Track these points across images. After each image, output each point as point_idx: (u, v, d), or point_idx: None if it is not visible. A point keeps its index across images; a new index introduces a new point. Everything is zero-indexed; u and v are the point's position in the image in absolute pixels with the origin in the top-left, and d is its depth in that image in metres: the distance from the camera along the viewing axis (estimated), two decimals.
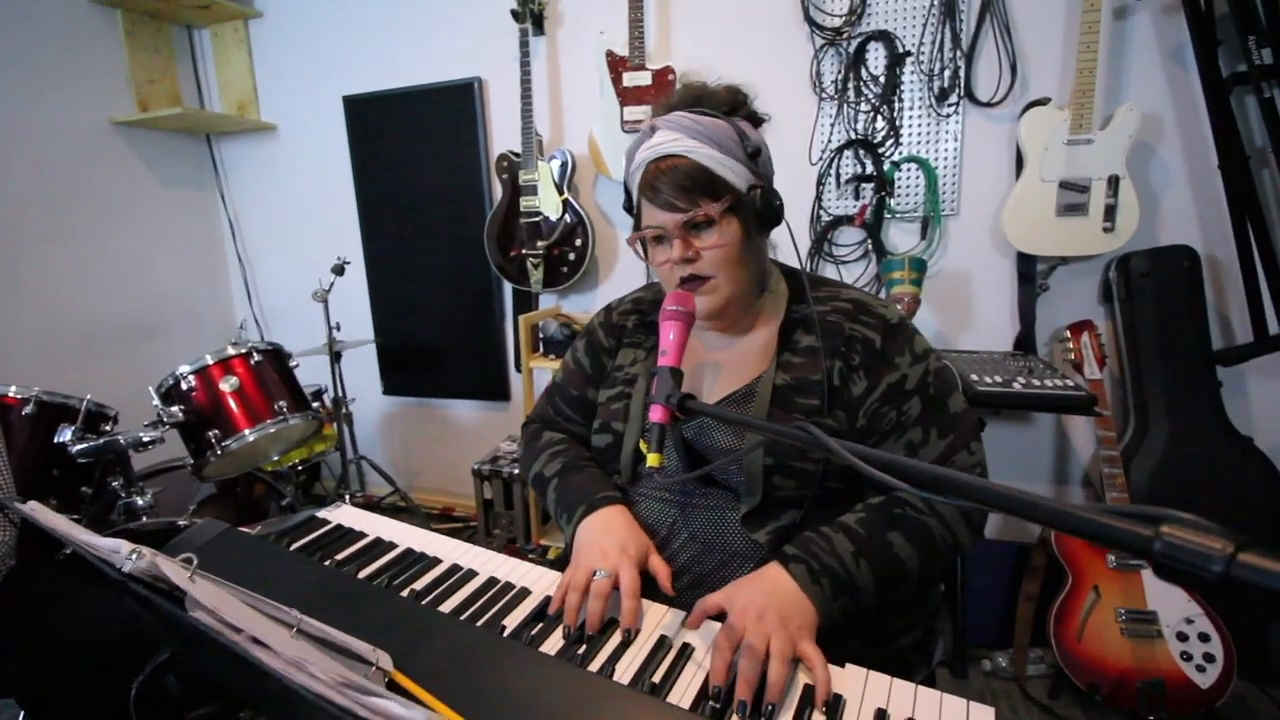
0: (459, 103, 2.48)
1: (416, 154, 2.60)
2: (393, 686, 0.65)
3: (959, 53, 1.92)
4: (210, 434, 1.69)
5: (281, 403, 1.79)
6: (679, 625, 0.76)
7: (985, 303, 2.07)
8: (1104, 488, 1.69)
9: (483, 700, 0.63)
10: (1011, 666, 1.80)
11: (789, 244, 0.96)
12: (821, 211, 2.13)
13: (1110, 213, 1.76)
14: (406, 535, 0.98)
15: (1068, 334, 1.82)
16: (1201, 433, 1.77)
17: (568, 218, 2.26)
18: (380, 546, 0.96)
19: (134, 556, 0.46)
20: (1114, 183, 1.75)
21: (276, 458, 2.14)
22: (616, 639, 0.73)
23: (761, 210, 0.85)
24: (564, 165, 2.26)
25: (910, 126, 2.01)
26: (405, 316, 2.81)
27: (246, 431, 1.72)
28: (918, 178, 2.03)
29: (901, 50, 1.97)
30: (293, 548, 0.95)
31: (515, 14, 2.20)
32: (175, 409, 1.68)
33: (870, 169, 2.06)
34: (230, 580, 0.89)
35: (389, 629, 0.74)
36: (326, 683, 0.37)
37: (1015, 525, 2.09)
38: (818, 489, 0.84)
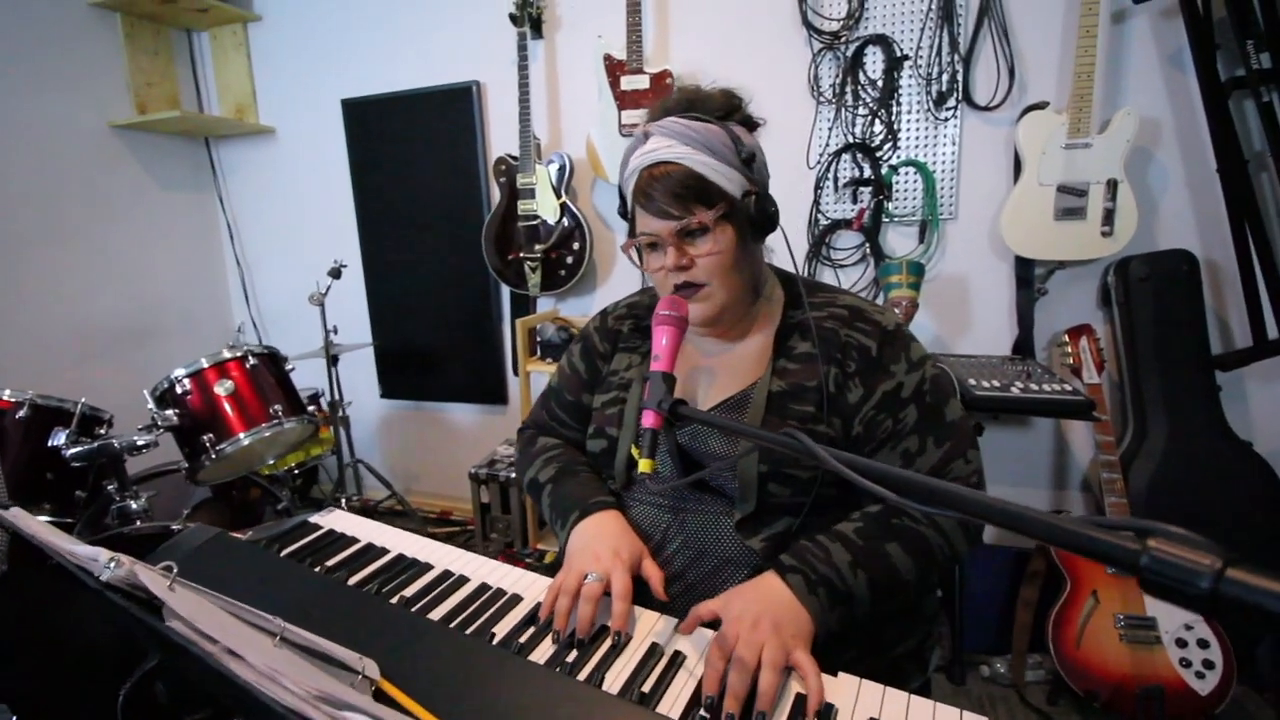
0: (457, 106, 2.48)
1: (415, 157, 2.60)
2: (380, 695, 0.64)
3: (957, 56, 1.92)
4: (205, 438, 1.69)
5: (277, 406, 1.78)
6: (671, 632, 0.75)
7: (983, 307, 2.06)
8: (1103, 492, 1.68)
9: (469, 710, 0.62)
10: (1010, 673, 1.79)
11: (785, 249, 0.95)
12: (819, 215, 2.13)
13: (1109, 217, 1.76)
14: (398, 541, 0.98)
15: (1066, 338, 1.82)
16: (1200, 437, 1.76)
17: (565, 221, 2.26)
18: (372, 552, 0.95)
19: (112, 565, 0.45)
20: (1112, 187, 1.74)
21: (272, 461, 2.13)
22: (607, 645, 0.72)
23: (756, 217, 0.84)
24: (562, 169, 2.25)
25: (908, 130, 2.01)
26: (403, 320, 2.80)
27: (241, 435, 1.71)
28: (916, 181, 2.02)
29: (899, 54, 1.97)
30: (284, 553, 0.94)
31: (513, 18, 2.20)
32: (170, 412, 1.68)
33: (868, 173, 2.05)
34: (220, 586, 0.88)
35: (378, 636, 0.73)
36: (300, 695, 0.36)
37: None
38: (813, 496, 0.83)
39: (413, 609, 0.79)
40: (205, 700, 0.93)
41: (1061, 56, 1.86)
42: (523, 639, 0.73)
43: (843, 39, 2.00)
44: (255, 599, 0.83)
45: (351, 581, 0.86)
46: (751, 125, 0.90)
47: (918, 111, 1.99)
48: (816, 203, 2.12)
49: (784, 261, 0.97)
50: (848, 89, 2.02)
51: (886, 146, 2.03)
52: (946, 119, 1.97)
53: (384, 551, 0.95)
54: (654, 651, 0.72)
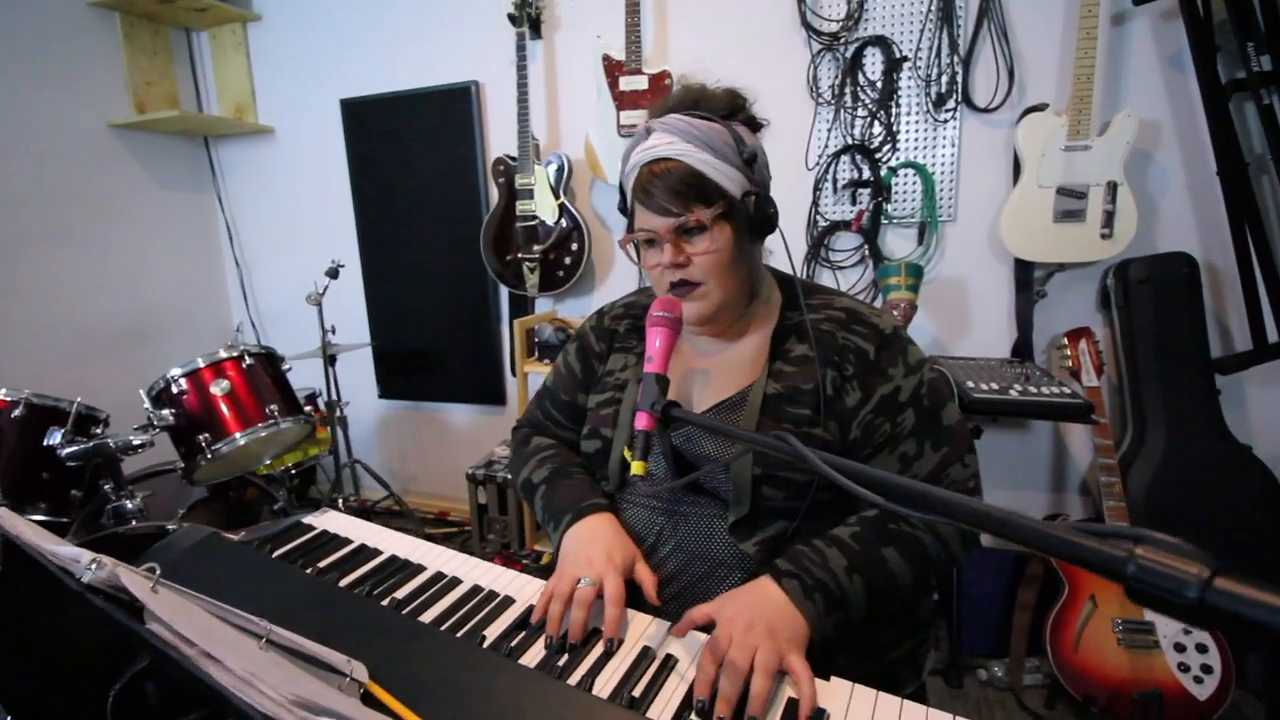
0: (456, 106, 2.47)
1: (413, 157, 2.59)
2: (368, 698, 0.64)
3: (956, 58, 1.91)
4: (201, 438, 1.68)
5: (273, 406, 1.77)
6: (664, 635, 0.75)
7: (982, 309, 2.05)
8: (1101, 496, 1.68)
9: (457, 714, 0.61)
10: (1007, 676, 1.78)
11: (783, 250, 0.94)
12: (818, 217, 2.12)
13: (1108, 219, 1.75)
14: (392, 542, 0.97)
15: (1065, 341, 1.81)
16: (1200, 441, 1.75)
17: (564, 222, 2.26)
18: (365, 554, 0.94)
19: (94, 566, 0.45)
20: (1112, 189, 1.74)
21: (269, 461, 2.13)
22: (599, 650, 0.72)
23: (755, 217, 0.84)
24: (560, 169, 2.25)
25: (907, 132, 2.00)
26: (401, 320, 2.80)
27: (237, 435, 1.70)
28: (915, 183, 2.02)
29: (899, 55, 1.96)
30: (275, 554, 0.94)
31: (512, 18, 2.20)
32: (166, 412, 1.67)
33: (867, 174, 2.05)
34: (211, 586, 0.87)
35: (368, 639, 0.72)
36: (277, 701, 0.36)
37: None
38: (808, 501, 0.83)
39: (404, 611, 0.79)
40: (197, 701, 0.92)
41: (1061, 58, 1.85)
42: (514, 642, 0.73)
43: (842, 40, 2.00)
44: (246, 600, 0.82)
45: (343, 583, 0.85)
46: (755, 126, 0.89)
47: (917, 113, 1.99)
48: (815, 204, 2.12)
49: (782, 263, 0.97)
50: (847, 90, 2.02)
51: (886, 148, 2.02)
52: (946, 120, 1.97)
53: (377, 553, 0.94)
54: (646, 655, 0.71)
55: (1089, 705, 1.59)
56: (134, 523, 1.59)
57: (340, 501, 2.45)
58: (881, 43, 1.97)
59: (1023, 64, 1.89)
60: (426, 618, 0.77)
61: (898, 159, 2.02)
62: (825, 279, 2.16)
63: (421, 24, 2.49)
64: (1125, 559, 0.28)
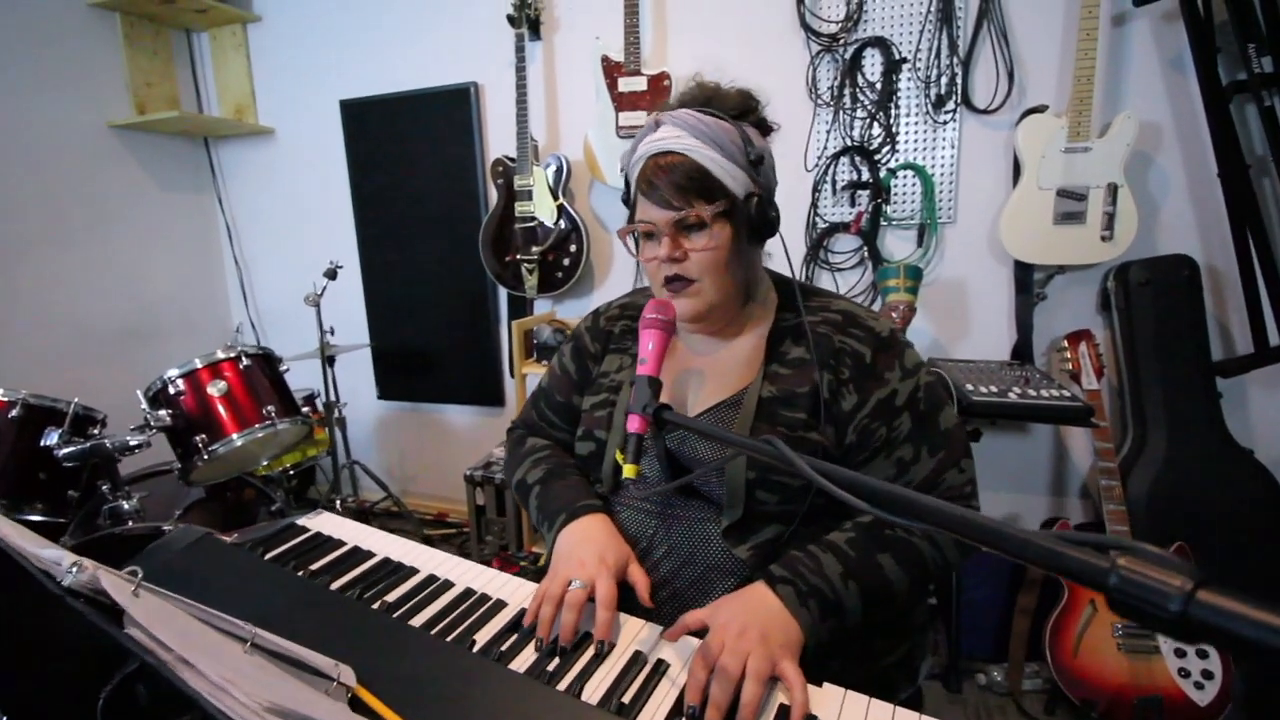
0: (455, 107, 2.47)
1: (413, 158, 2.59)
2: (356, 702, 0.63)
3: (956, 59, 1.91)
4: (198, 438, 1.68)
5: (270, 407, 1.77)
6: (656, 640, 0.74)
7: (982, 311, 2.05)
8: (1101, 500, 1.67)
9: (445, 719, 0.61)
10: (1006, 681, 1.77)
11: (781, 252, 0.94)
12: (817, 218, 2.12)
13: (1109, 221, 1.74)
14: (385, 545, 0.97)
15: (1065, 343, 1.80)
16: (1201, 445, 1.74)
17: (562, 223, 2.25)
18: (357, 556, 0.94)
19: (74, 570, 0.44)
20: (1112, 191, 1.73)
21: (267, 462, 2.13)
22: (590, 654, 0.71)
23: (755, 219, 0.83)
24: (559, 170, 2.25)
25: (907, 133, 2.00)
26: (401, 321, 2.80)
27: (234, 436, 1.70)
28: (914, 185, 2.01)
29: (898, 57, 1.96)
30: (268, 556, 0.94)
31: (511, 19, 2.20)
32: (163, 413, 1.67)
33: (866, 176, 2.04)
34: (202, 588, 0.87)
35: (357, 642, 0.72)
36: (250, 708, 0.35)
37: None
38: (806, 505, 0.82)
39: (395, 614, 0.78)
40: (187, 704, 0.92)
41: (1061, 59, 1.85)
42: (504, 646, 0.72)
43: (841, 41, 1.99)
44: (237, 602, 0.82)
45: (334, 586, 0.85)
46: (765, 129, 0.89)
47: (916, 114, 1.98)
48: (814, 205, 2.11)
49: (781, 265, 0.96)
50: (846, 91, 2.02)
51: (885, 149, 2.02)
52: (945, 122, 1.96)
53: (369, 555, 0.94)
54: (637, 660, 0.71)
55: (1088, 711, 1.58)
56: (130, 523, 1.59)
57: (339, 503, 2.45)
58: (881, 44, 1.96)
59: (1022, 65, 1.88)
60: (417, 621, 0.77)
61: (897, 160, 2.01)
62: (824, 281, 2.15)
63: (421, 25, 2.49)
64: (1108, 569, 0.27)
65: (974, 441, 1.83)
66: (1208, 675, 1.51)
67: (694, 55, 2.18)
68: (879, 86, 1.99)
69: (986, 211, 1.98)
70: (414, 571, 0.89)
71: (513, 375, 2.56)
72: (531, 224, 2.27)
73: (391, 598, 0.82)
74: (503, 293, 2.59)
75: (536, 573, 0.99)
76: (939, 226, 2.02)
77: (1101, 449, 1.69)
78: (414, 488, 2.97)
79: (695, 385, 0.92)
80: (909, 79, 1.97)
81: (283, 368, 1.92)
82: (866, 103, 2.01)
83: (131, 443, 1.57)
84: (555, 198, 2.24)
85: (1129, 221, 1.74)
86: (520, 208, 2.26)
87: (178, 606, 0.51)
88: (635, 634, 0.76)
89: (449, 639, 0.74)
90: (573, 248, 2.27)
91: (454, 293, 2.66)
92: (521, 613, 0.78)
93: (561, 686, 0.66)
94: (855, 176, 2.06)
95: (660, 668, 0.70)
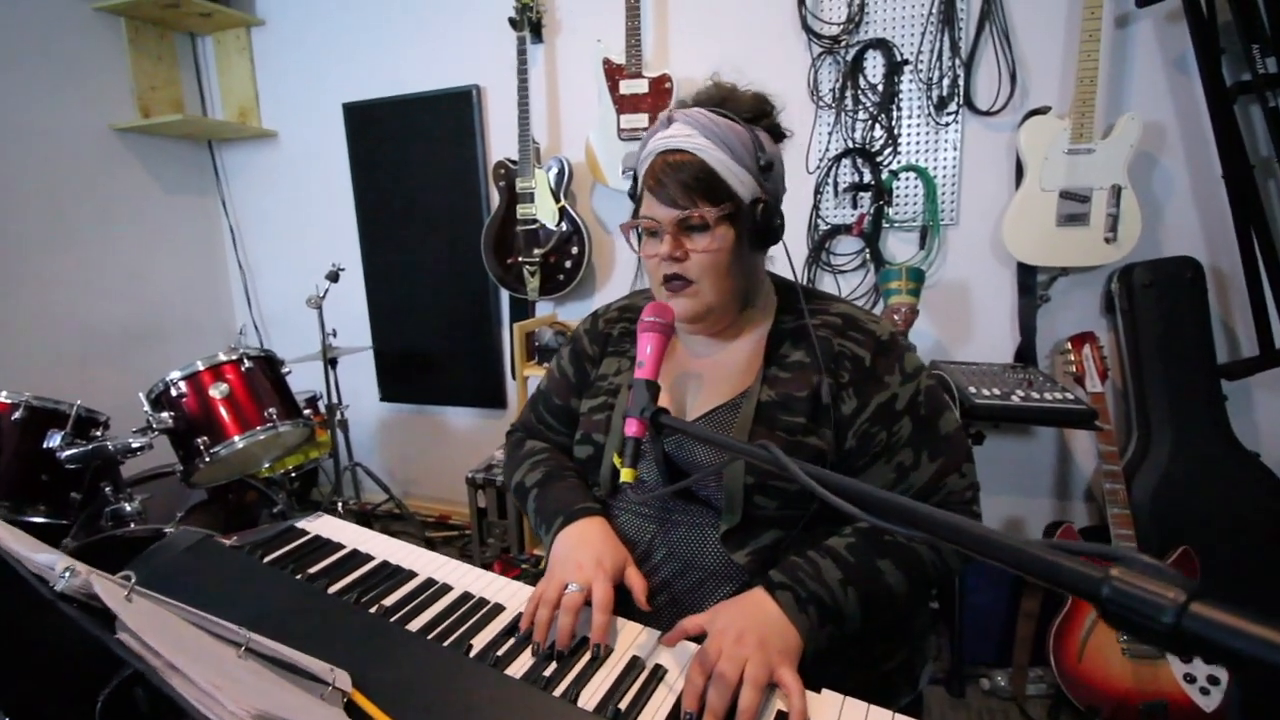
0: (457, 110, 2.48)
1: (415, 161, 2.60)
2: (351, 707, 0.63)
3: (958, 61, 1.90)
4: (199, 441, 1.68)
5: (272, 410, 1.77)
6: (654, 645, 0.74)
7: (985, 313, 2.04)
8: (1106, 503, 1.65)
9: None
10: (1010, 686, 1.76)
11: (784, 255, 0.93)
12: (819, 220, 2.11)
13: (1112, 223, 1.73)
14: (383, 548, 0.97)
15: (1069, 346, 1.79)
16: (1206, 448, 1.73)
17: (564, 225, 2.25)
18: (356, 559, 0.94)
19: (67, 574, 0.44)
20: (1116, 192, 1.72)
21: (269, 464, 2.13)
22: (587, 658, 0.71)
23: (759, 225, 0.83)
24: (561, 173, 2.25)
25: (909, 135, 1.99)
26: (403, 323, 2.80)
27: (236, 438, 1.70)
28: (916, 187, 2.01)
29: (900, 59, 1.95)
30: (266, 559, 0.93)
31: (513, 22, 2.20)
32: (165, 415, 1.67)
33: (868, 178, 2.04)
34: (199, 591, 0.87)
35: (354, 647, 0.72)
36: (238, 716, 0.35)
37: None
38: (809, 511, 0.81)
39: (392, 619, 0.78)
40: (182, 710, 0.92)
41: (1064, 61, 1.84)
42: (500, 651, 0.72)
43: (842, 43, 1.99)
44: (234, 605, 0.82)
45: (332, 590, 0.85)
46: (778, 135, 0.88)
47: (918, 116, 1.98)
48: (816, 208, 2.11)
49: (783, 268, 0.95)
50: (848, 93, 2.01)
51: (887, 151, 2.01)
52: (947, 124, 1.95)
53: (368, 559, 0.93)
54: (634, 665, 0.70)
55: (1093, 716, 1.57)
56: (132, 525, 1.59)
57: (340, 505, 2.45)
58: (882, 46, 1.96)
59: (1025, 67, 1.88)
60: (415, 625, 0.77)
61: (899, 162, 2.01)
62: (826, 283, 2.15)
63: (423, 28, 2.49)
64: (1100, 580, 0.27)
65: (977, 445, 1.82)
66: (1214, 681, 1.50)
67: (695, 57, 2.18)
68: (880, 88, 1.98)
69: (989, 213, 1.97)
70: (412, 575, 0.89)
71: (514, 377, 2.57)
72: (533, 226, 2.27)
73: (389, 601, 0.81)
74: (504, 295, 2.59)
75: (538, 575, 0.99)
76: (941, 228, 2.01)
77: (1106, 452, 1.67)
78: (416, 490, 2.97)
79: (694, 388, 0.92)
80: (911, 81, 1.96)
81: (284, 370, 1.92)
82: (868, 104, 2.00)
83: (134, 445, 1.57)
84: (557, 200, 2.24)
85: (1133, 223, 1.73)
86: (522, 210, 2.27)
87: (172, 611, 0.51)
88: (633, 638, 0.75)
89: (446, 643, 0.73)
90: (574, 250, 2.27)
91: (456, 295, 2.66)
92: (519, 617, 0.77)
93: (558, 691, 0.65)
94: (857, 178, 2.05)
95: (658, 673, 0.69)
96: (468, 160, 2.50)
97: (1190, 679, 1.51)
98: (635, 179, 0.89)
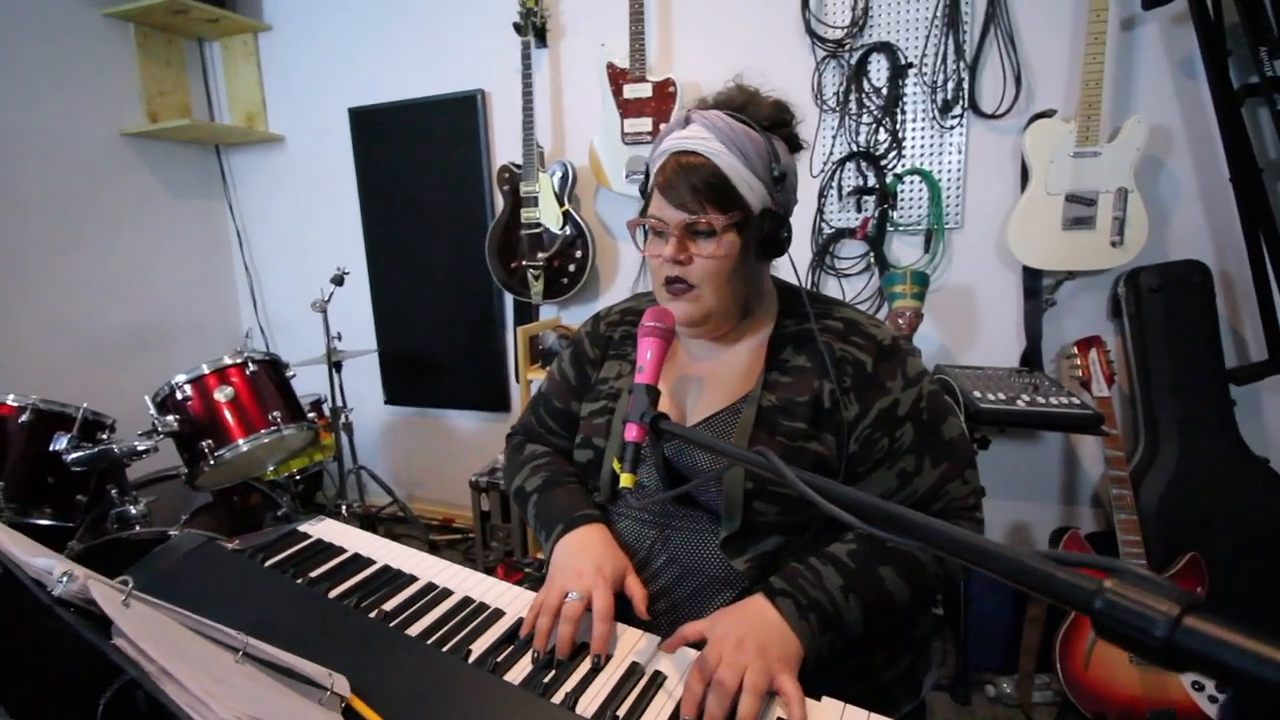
0: (462, 114, 2.49)
1: (420, 165, 2.61)
2: (349, 712, 0.63)
3: (962, 64, 1.90)
4: (204, 443, 1.69)
5: (276, 413, 1.78)
6: (653, 651, 0.74)
7: (990, 317, 2.03)
8: (1113, 509, 1.64)
9: None
10: (1016, 693, 1.74)
11: (787, 262, 0.92)
12: (823, 224, 2.11)
13: (1119, 226, 1.72)
14: (385, 552, 0.97)
15: (1075, 350, 1.78)
16: (1214, 453, 1.71)
17: (568, 229, 2.26)
18: (357, 563, 0.94)
19: (65, 579, 0.44)
20: (1122, 196, 1.71)
21: (273, 467, 2.14)
22: (586, 665, 0.71)
23: (766, 237, 0.82)
24: (565, 177, 2.25)
25: (913, 138, 1.99)
26: (407, 326, 2.81)
27: (240, 441, 1.71)
28: (921, 190, 2.00)
29: (904, 62, 1.95)
30: (268, 563, 0.94)
31: (518, 27, 2.21)
32: (170, 418, 1.68)
33: (872, 181, 2.03)
34: (200, 595, 0.87)
35: (353, 651, 0.72)
36: None
37: (1024, 546, 2.04)
38: (801, 516, 0.81)
39: (391, 623, 0.78)
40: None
41: (1069, 64, 1.83)
42: (499, 657, 0.71)
43: (846, 47, 1.99)
44: (233, 609, 0.82)
45: (333, 594, 0.85)
46: (795, 145, 0.87)
47: (923, 120, 1.97)
48: (820, 211, 2.10)
49: (786, 272, 0.95)
50: (852, 97, 2.01)
51: (891, 155, 2.01)
52: (952, 127, 1.95)
53: (369, 563, 0.93)
54: (634, 671, 0.70)
55: None
56: (137, 528, 1.60)
57: (344, 508, 2.46)
58: (886, 49, 1.96)
59: (1030, 69, 1.87)
60: (414, 630, 0.77)
61: (903, 166, 2.00)
62: (830, 287, 2.14)
63: (428, 33, 2.51)
64: (1093, 592, 0.26)
65: (982, 449, 1.80)
66: (1222, 689, 1.48)
67: (699, 61, 2.18)
68: (885, 92, 1.98)
69: (994, 217, 1.96)
70: (412, 579, 0.89)
71: (518, 381, 2.57)
72: (537, 230, 2.27)
73: (389, 606, 0.81)
74: (508, 298, 2.60)
75: (540, 579, 0.99)
76: (946, 232, 2.00)
77: (1112, 457, 1.66)
78: (420, 493, 2.98)
79: (694, 393, 0.91)
80: (915, 84, 1.96)
81: (289, 373, 1.93)
82: (872, 108, 2.00)
83: (139, 448, 1.58)
84: (561, 204, 2.25)
85: (1139, 227, 1.72)
86: (526, 214, 2.27)
87: (169, 616, 0.51)
88: (633, 645, 0.75)
89: (445, 649, 0.73)
90: (578, 254, 2.27)
91: (460, 298, 2.67)
92: (519, 623, 0.77)
93: (556, 698, 0.65)
94: (861, 182, 2.05)
95: (657, 679, 0.69)
96: (472, 164, 2.51)
97: (1199, 686, 1.49)
98: (647, 174, 0.88)
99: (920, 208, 2.01)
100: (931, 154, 1.98)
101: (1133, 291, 1.81)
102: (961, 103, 1.92)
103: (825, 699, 0.66)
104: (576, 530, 0.86)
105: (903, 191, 2.01)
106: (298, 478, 2.52)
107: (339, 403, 2.45)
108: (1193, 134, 1.77)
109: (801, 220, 2.12)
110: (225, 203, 3.03)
